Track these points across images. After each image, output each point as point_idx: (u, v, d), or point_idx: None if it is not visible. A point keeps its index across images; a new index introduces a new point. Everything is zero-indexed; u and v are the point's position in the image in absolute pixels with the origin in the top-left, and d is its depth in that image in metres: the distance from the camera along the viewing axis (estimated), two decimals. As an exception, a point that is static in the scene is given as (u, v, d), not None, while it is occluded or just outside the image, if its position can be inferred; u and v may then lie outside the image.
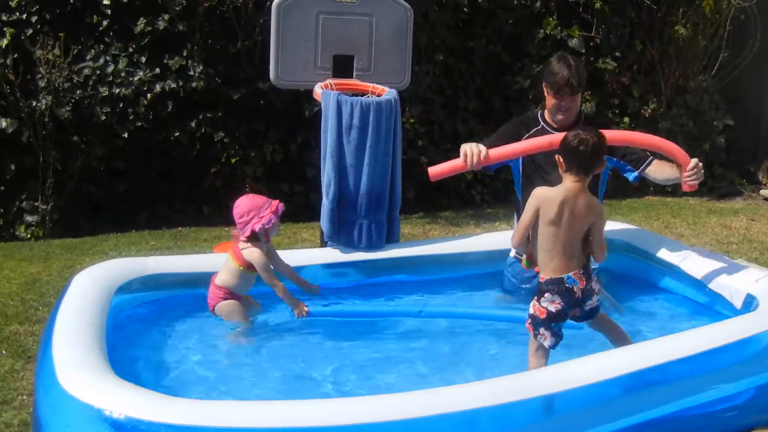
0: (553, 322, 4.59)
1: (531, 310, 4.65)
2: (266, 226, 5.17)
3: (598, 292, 4.68)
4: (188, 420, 3.54)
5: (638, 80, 10.74)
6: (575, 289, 4.55)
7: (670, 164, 5.71)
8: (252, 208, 5.19)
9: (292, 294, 5.22)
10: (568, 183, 4.57)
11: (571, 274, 4.54)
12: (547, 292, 4.57)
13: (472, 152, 5.44)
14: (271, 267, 5.25)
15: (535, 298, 4.64)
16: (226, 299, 5.30)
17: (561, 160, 4.61)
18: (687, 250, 5.97)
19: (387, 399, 3.91)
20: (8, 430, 4.29)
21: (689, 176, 5.44)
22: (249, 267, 5.22)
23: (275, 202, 5.23)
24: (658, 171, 5.77)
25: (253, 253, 5.18)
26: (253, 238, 5.21)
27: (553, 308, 4.56)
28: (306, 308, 5.18)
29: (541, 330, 4.60)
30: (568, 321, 4.71)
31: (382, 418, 3.68)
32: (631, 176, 5.89)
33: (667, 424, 4.17)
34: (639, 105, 10.70)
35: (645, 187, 10.73)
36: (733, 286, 5.38)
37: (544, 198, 4.55)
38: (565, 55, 5.83)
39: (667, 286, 6.00)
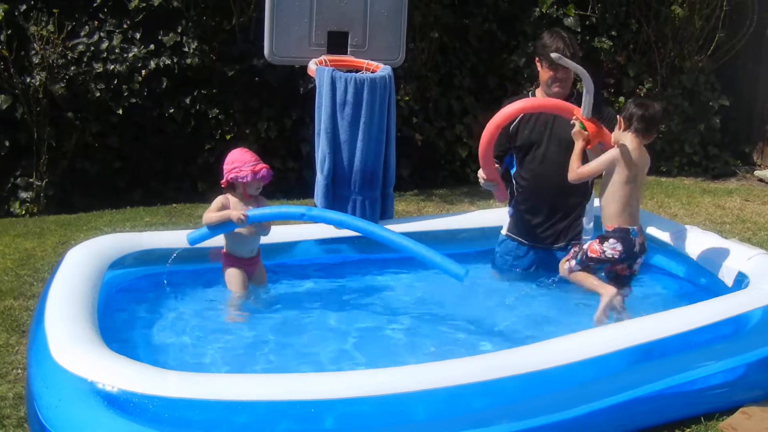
0: (598, 263, 5.17)
1: (583, 248, 5.22)
2: (240, 180, 5.21)
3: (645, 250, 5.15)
4: (181, 392, 3.56)
5: (634, 60, 10.72)
6: (635, 241, 5.07)
7: None
8: (237, 159, 5.27)
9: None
10: (635, 144, 5.04)
11: (635, 227, 5.06)
12: (612, 238, 5.08)
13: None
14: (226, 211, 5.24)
15: (596, 240, 5.14)
16: (230, 265, 5.35)
17: (625, 122, 5.07)
18: (680, 229, 5.98)
19: (379, 372, 3.93)
20: (3, 402, 4.30)
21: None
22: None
23: (261, 165, 5.26)
24: None
25: (217, 197, 5.27)
26: (229, 188, 5.29)
27: (610, 253, 5.09)
28: (242, 213, 5.16)
29: (576, 265, 5.22)
30: None
31: (377, 391, 3.71)
32: None
33: (658, 401, 4.20)
34: (634, 85, 10.68)
35: (639, 167, 10.73)
36: (724, 264, 5.41)
37: (624, 155, 5.01)
38: (557, 29, 5.85)
39: (660, 265, 6.03)
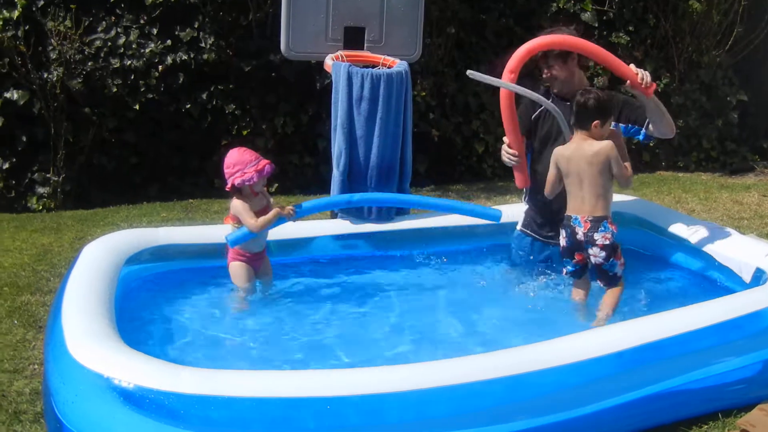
0: (563, 255, 5.30)
1: None
2: (247, 183, 5.15)
3: (601, 247, 5.07)
4: (197, 389, 3.56)
5: (651, 55, 10.66)
6: (577, 230, 5.12)
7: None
8: (238, 162, 5.18)
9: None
10: (576, 137, 5.19)
11: (579, 216, 5.11)
12: (561, 228, 5.25)
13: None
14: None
15: None
16: (236, 260, 5.33)
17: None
18: (698, 224, 5.94)
19: (396, 369, 3.93)
20: (20, 398, 4.32)
21: (643, 83, 5.33)
22: (238, 221, 5.25)
23: (263, 162, 5.20)
24: (653, 119, 5.64)
25: (235, 205, 5.22)
26: (235, 191, 5.23)
27: (561, 242, 5.26)
28: (290, 208, 5.25)
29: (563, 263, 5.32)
30: None
31: (393, 388, 3.71)
32: (641, 136, 5.79)
33: (676, 397, 4.19)
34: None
35: (657, 162, 10.71)
36: (742, 260, 5.38)
37: (558, 155, 5.22)
38: (555, 28, 5.81)
39: (678, 260, 6.00)
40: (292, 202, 6.05)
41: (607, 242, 5.08)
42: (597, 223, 5.07)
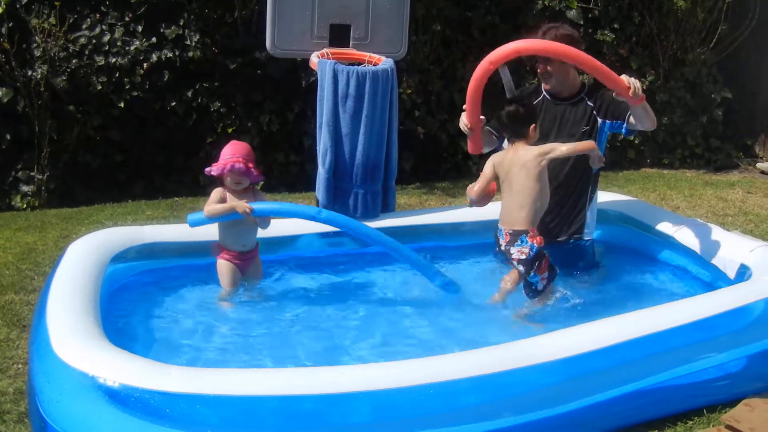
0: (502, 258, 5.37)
1: None
2: (213, 173, 5.23)
3: (517, 261, 5.08)
4: (183, 388, 3.56)
5: (636, 52, 10.69)
6: (500, 241, 5.18)
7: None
8: (223, 152, 5.27)
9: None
10: (513, 146, 5.24)
11: (502, 227, 5.16)
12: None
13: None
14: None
15: None
16: (221, 258, 5.34)
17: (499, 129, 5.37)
18: (682, 221, 5.97)
19: (382, 366, 3.93)
20: (4, 398, 4.30)
21: (632, 93, 5.31)
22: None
23: (232, 161, 5.18)
24: (635, 115, 5.62)
25: (213, 192, 5.27)
26: (219, 180, 5.30)
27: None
28: (246, 205, 5.15)
29: None
30: None
31: (383, 385, 3.73)
32: (623, 130, 5.77)
33: (660, 393, 4.20)
34: (637, 77, 10.58)
35: (642, 159, 10.74)
36: (727, 256, 5.42)
37: (492, 163, 5.27)
38: (555, 24, 5.81)
39: (662, 257, 6.04)
40: (278, 199, 6.09)
41: (524, 257, 5.06)
42: (515, 237, 5.08)
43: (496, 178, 5.25)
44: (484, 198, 5.33)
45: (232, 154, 5.23)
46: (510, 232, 5.08)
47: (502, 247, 5.14)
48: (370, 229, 5.42)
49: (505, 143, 5.57)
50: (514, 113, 5.21)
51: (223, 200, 5.24)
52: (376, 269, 5.89)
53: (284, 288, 5.56)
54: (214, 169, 5.22)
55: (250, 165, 5.21)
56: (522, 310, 5.14)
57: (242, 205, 5.14)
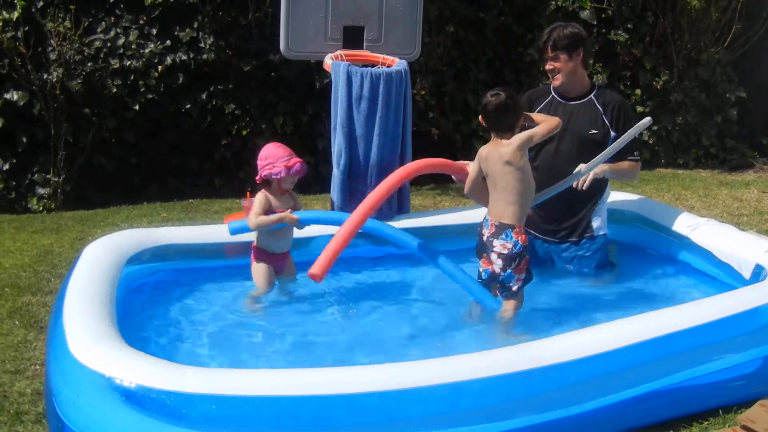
0: (475, 252, 5.13)
1: None
2: (274, 176, 5.23)
3: (498, 255, 4.89)
4: (199, 388, 3.57)
5: (650, 52, 10.67)
6: (484, 231, 4.97)
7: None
8: (270, 155, 5.28)
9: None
10: (492, 140, 5.00)
11: (489, 218, 4.96)
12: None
13: None
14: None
15: None
16: (258, 260, 5.36)
17: (481, 119, 5.04)
18: (697, 221, 5.95)
19: (396, 367, 3.94)
20: (21, 398, 4.33)
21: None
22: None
23: (295, 159, 5.27)
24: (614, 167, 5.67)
25: (257, 196, 5.29)
26: (265, 184, 5.32)
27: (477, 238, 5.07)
28: (294, 216, 5.24)
29: None
30: None
31: (393, 386, 3.72)
32: None
33: (675, 393, 4.19)
34: (651, 77, 10.63)
35: (656, 159, 10.71)
36: (742, 256, 5.39)
37: (478, 156, 5.06)
38: (562, 23, 5.81)
39: (677, 257, 6.01)
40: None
41: (505, 251, 4.88)
42: (500, 230, 4.88)
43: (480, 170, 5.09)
44: (483, 193, 5.14)
45: (290, 154, 5.28)
46: (496, 223, 4.90)
47: (484, 238, 4.97)
48: (414, 239, 5.34)
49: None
50: (502, 103, 4.89)
51: (268, 207, 5.27)
52: (408, 268, 5.87)
53: (314, 288, 5.56)
54: (276, 171, 5.21)
55: None
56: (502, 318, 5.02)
57: (290, 217, 5.23)
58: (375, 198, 5.10)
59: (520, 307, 5.04)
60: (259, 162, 5.32)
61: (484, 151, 5.02)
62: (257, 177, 5.32)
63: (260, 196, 5.28)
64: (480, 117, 5.03)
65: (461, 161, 5.46)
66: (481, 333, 4.97)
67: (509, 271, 4.92)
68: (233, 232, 5.31)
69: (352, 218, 4.97)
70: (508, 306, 5.02)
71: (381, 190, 5.14)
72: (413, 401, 3.71)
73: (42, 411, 4.16)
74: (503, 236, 4.88)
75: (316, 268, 4.68)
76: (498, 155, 4.90)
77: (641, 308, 4.88)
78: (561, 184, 5.38)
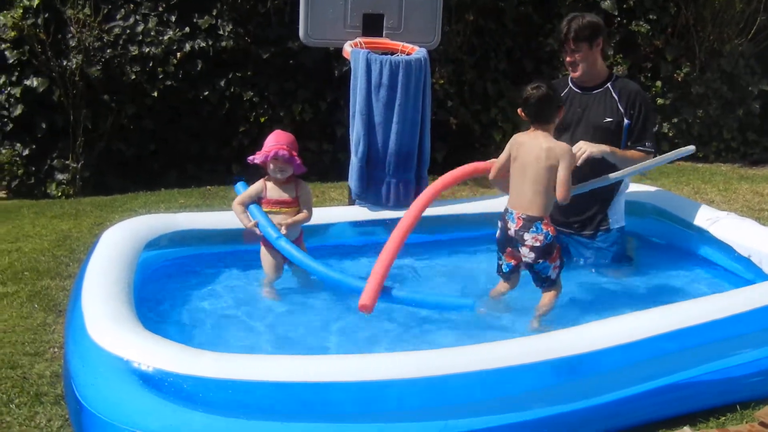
0: (497, 248, 5.07)
1: None
2: (256, 161, 5.24)
3: (530, 248, 4.82)
4: (216, 373, 3.58)
5: (672, 43, 10.59)
6: (510, 225, 4.88)
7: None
8: (267, 141, 5.29)
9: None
10: (531, 130, 4.93)
11: (515, 211, 4.86)
12: (499, 219, 5.02)
13: None
14: (251, 204, 5.30)
15: None
16: (265, 246, 5.34)
17: (521, 112, 4.95)
18: (717, 215, 5.91)
19: (405, 356, 3.94)
20: (41, 381, 4.35)
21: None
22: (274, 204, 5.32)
23: (275, 148, 5.19)
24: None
25: (256, 183, 5.32)
26: (263, 169, 5.33)
27: (497, 233, 5.01)
28: (256, 229, 5.21)
29: None
30: None
31: (420, 373, 3.71)
32: None
33: (692, 388, 4.17)
34: (672, 69, 10.56)
35: (676, 152, 10.62)
36: (762, 251, 5.34)
37: (513, 141, 4.99)
38: (580, 13, 5.76)
39: (696, 251, 5.96)
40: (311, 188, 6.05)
41: (537, 244, 4.82)
42: (529, 222, 4.81)
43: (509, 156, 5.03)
44: (507, 181, 5.09)
45: (276, 142, 5.24)
46: (523, 216, 4.83)
47: (511, 232, 4.88)
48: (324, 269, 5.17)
49: None
50: (544, 95, 4.84)
51: (259, 193, 5.27)
52: (417, 258, 5.85)
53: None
54: (257, 157, 5.23)
55: (294, 153, 5.23)
56: (539, 309, 4.98)
57: (249, 224, 5.23)
58: (411, 218, 5.13)
59: (559, 294, 5.02)
60: None
61: (520, 137, 4.96)
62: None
63: (256, 183, 5.30)
64: (519, 110, 4.97)
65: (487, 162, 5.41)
66: (504, 322, 4.95)
67: (542, 261, 4.87)
68: (236, 191, 5.42)
69: (391, 242, 4.98)
70: (547, 296, 4.98)
71: (419, 204, 5.20)
72: (432, 389, 3.70)
73: (61, 393, 4.19)
74: (533, 229, 4.82)
75: (365, 299, 4.65)
76: (537, 146, 4.83)
77: (658, 301, 4.85)
78: (587, 185, 5.33)
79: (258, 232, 5.21)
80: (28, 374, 4.43)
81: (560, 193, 4.79)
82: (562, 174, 4.75)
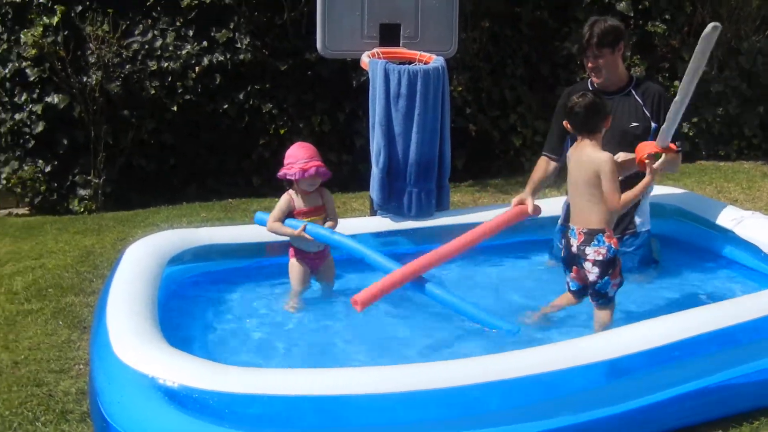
0: (563, 267, 4.96)
1: None
2: (289, 177, 5.22)
3: (593, 263, 4.71)
4: (242, 388, 3.57)
5: (689, 43, 10.53)
6: (572, 242, 4.78)
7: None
8: (292, 155, 5.28)
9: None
10: (577, 143, 4.84)
11: (575, 227, 4.77)
12: (562, 237, 4.94)
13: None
14: (289, 218, 5.30)
15: None
16: (293, 258, 5.36)
17: (567, 125, 4.86)
18: (741, 214, 5.86)
19: (431, 366, 3.92)
20: (66, 398, 4.36)
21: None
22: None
23: (313, 164, 5.21)
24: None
25: (280, 199, 5.31)
26: (288, 183, 5.32)
27: (559, 251, 4.95)
28: (306, 234, 5.20)
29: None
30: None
31: (444, 384, 3.70)
32: None
33: (724, 392, 4.12)
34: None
35: (697, 152, 10.59)
36: (788, 251, 5.31)
37: (567, 157, 4.90)
38: (601, 17, 5.73)
39: (722, 251, 5.92)
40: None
41: (600, 258, 4.69)
42: (590, 236, 4.70)
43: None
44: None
45: (310, 156, 5.25)
46: (585, 231, 4.70)
47: (574, 248, 4.76)
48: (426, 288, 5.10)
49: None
50: (591, 103, 4.73)
51: (291, 208, 5.29)
52: (445, 268, 5.83)
53: (354, 287, 5.55)
54: (292, 173, 5.20)
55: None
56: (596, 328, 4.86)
57: (302, 234, 5.19)
58: (448, 251, 5.11)
59: (613, 312, 4.87)
60: (284, 161, 5.32)
61: (570, 151, 4.90)
62: (278, 175, 5.32)
63: (282, 199, 5.30)
64: (564, 122, 4.88)
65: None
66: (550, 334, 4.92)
67: (606, 277, 4.75)
68: (257, 221, 5.43)
69: (415, 263, 4.95)
70: (602, 314, 4.85)
71: (463, 240, 5.17)
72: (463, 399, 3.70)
73: (86, 410, 4.20)
74: (595, 242, 4.71)
75: (359, 296, 4.66)
76: (583, 157, 4.74)
77: (687, 304, 4.82)
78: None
79: (308, 237, 5.21)
80: (54, 392, 4.44)
81: (609, 202, 4.67)
82: (606, 185, 4.65)
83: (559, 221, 5.94)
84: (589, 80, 5.82)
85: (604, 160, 4.65)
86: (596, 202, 4.68)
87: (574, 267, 4.86)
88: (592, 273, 4.73)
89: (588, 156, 4.70)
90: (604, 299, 4.80)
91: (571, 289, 4.94)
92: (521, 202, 5.29)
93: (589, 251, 4.70)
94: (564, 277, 5.00)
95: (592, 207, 4.69)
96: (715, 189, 8.77)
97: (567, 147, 5.50)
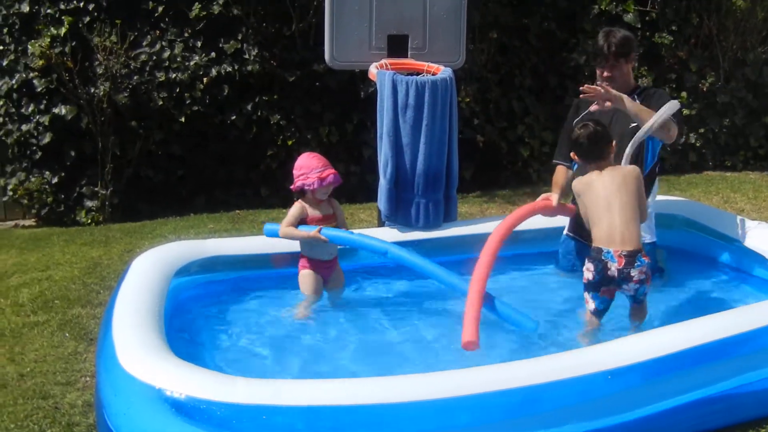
0: (589, 289, 4.89)
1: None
2: (307, 187, 5.26)
3: (637, 282, 4.77)
4: (249, 399, 3.57)
5: (695, 54, 10.55)
6: (610, 265, 4.76)
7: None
8: (304, 166, 5.31)
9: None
10: (589, 169, 4.98)
11: (611, 250, 4.76)
12: (588, 259, 4.87)
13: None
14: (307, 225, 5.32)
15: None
16: (304, 267, 5.38)
17: (574, 156, 5.07)
18: (748, 224, 5.86)
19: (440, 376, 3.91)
20: (73, 410, 4.36)
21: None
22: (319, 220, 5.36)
23: (329, 171, 5.28)
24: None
25: (293, 205, 5.33)
26: (300, 193, 5.34)
27: (588, 275, 4.85)
28: (322, 236, 5.22)
29: (584, 294, 4.93)
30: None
31: (453, 394, 3.69)
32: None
33: (731, 400, 4.12)
34: (696, 79, 10.51)
35: (703, 162, 10.59)
36: (795, 261, 5.30)
37: (579, 186, 5.00)
38: (612, 28, 5.75)
39: (728, 261, 5.92)
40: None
41: (643, 276, 4.79)
42: (632, 258, 4.75)
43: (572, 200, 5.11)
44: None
45: (324, 165, 5.31)
46: (624, 254, 4.73)
47: (612, 272, 4.75)
48: (434, 266, 5.25)
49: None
50: (593, 133, 4.92)
51: (303, 216, 5.31)
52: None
53: (364, 296, 5.56)
54: (309, 182, 5.24)
55: None
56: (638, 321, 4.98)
57: (317, 236, 5.22)
58: (488, 256, 5.08)
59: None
60: (294, 171, 5.35)
61: (583, 180, 4.99)
62: (292, 186, 5.35)
63: (295, 207, 5.33)
64: (572, 154, 5.04)
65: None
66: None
67: (644, 286, 4.85)
68: (266, 233, 5.44)
69: (480, 269, 4.96)
70: (643, 307, 4.98)
71: (493, 243, 5.17)
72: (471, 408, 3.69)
73: (93, 422, 4.19)
74: (638, 263, 4.76)
75: (468, 336, 4.58)
76: (616, 175, 4.88)
77: (692, 314, 4.78)
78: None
79: (323, 238, 5.23)
80: (60, 404, 4.44)
81: (644, 214, 4.97)
82: (642, 198, 4.88)
83: (565, 231, 5.94)
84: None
85: (639, 171, 4.90)
86: (633, 217, 4.82)
87: (604, 288, 4.87)
88: (634, 288, 4.83)
89: (620, 173, 4.89)
90: (641, 301, 4.94)
91: (598, 308, 4.91)
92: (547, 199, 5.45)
93: (634, 273, 4.77)
94: (569, 291, 5.15)
95: (629, 224, 4.80)
96: (721, 199, 8.76)
97: None
